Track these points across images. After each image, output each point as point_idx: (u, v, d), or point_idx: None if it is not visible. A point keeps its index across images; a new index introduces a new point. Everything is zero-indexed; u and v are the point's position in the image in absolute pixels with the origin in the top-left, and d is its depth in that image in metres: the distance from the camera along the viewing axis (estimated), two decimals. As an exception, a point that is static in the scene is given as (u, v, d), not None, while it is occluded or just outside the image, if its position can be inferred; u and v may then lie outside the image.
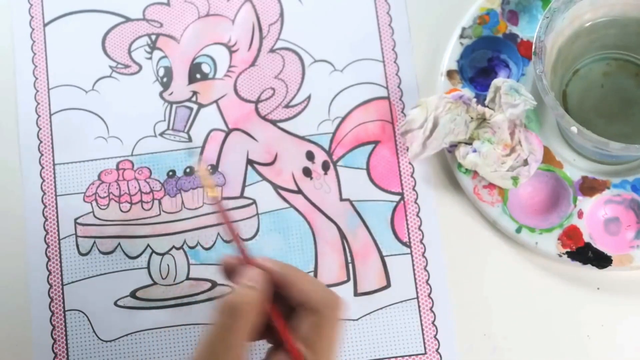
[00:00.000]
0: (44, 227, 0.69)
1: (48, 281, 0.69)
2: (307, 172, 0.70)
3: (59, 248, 0.69)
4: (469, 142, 0.67)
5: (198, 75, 0.71)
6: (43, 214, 0.70)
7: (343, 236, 0.69)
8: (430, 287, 0.68)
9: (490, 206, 0.68)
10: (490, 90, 0.67)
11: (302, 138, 0.71)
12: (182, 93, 0.71)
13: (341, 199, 0.70)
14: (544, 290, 0.68)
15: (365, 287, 0.68)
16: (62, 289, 0.68)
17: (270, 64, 0.72)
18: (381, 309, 0.68)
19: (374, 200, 0.69)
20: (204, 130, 0.71)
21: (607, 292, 0.68)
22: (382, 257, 0.69)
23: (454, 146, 0.67)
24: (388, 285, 0.68)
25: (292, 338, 0.53)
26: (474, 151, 0.66)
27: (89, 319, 0.68)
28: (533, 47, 0.63)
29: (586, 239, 0.67)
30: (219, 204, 0.58)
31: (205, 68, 0.72)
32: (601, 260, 0.66)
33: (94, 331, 0.68)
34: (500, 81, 0.66)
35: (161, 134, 0.71)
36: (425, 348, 0.67)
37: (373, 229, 0.69)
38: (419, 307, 0.68)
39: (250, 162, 0.70)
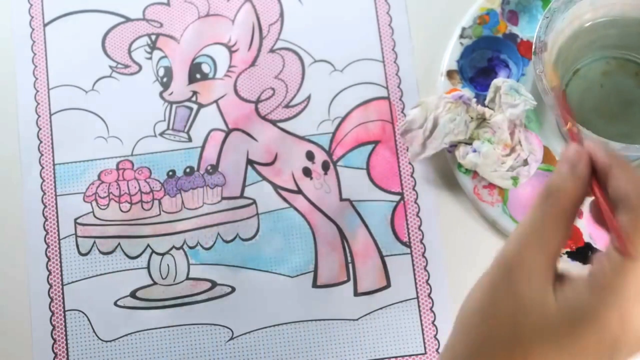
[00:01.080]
0: (44, 227, 0.69)
1: (48, 281, 0.69)
2: (307, 172, 0.70)
3: (59, 248, 0.69)
4: (469, 142, 0.67)
5: (198, 75, 0.71)
6: (43, 214, 0.70)
7: (343, 236, 0.69)
8: (430, 287, 0.68)
9: (490, 206, 0.68)
10: (490, 90, 0.67)
11: (302, 138, 0.70)
12: (182, 93, 0.71)
13: (341, 199, 0.70)
14: None
15: (365, 287, 0.68)
16: (62, 289, 0.68)
17: (270, 64, 0.72)
18: (381, 308, 0.68)
19: (374, 200, 0.69)
20: (204, 130, 0.71)
21: None
22: (382, 257, 0.69)
23: (454, 146, 0.67)
24: (388, 285, 0.68)
25: (617, 222, 0.49)
26: (474, 151, 0.66)
27: (89, 319, 0.68)
28: (533, 47, 0.63)
29: (586, 239, 0.67)
30: (557, 90, 0.55)
31: (205, 68, 0.72)
32: None
33: (94, 331, 0.68)
34: (500, 81, 0.66)
35: (161, 134, 0.71)
36: (425, 348, 0.67)
37: (373, 229, 0.69)
38: (419, 307, 0.68)
39: (250, 162, 0.70)
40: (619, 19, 0.67)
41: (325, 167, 0.70)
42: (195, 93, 0.71)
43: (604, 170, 0.50)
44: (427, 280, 0.68)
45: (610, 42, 0.68)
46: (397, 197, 0.69)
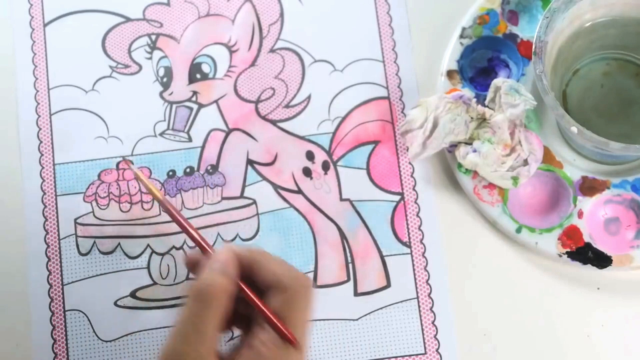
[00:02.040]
0: (44, 227, 0.69)
1: (48, 281, 0.69)
2: (307, 172, 0.70)
3: (59, 248, 0.69)
4: (469, 142, 0.67)
5: (198, 75, 0.71)
6: (43, 214, 0.70)
7: (343, 236, 0.69)
8: (430, 287, 0.68)
9: (490, 206, 0.68)
10: (490, 90, 0.67)
11: (302, 138, 0.71)
12: (182, 93, 0.71)
13: (341, 199, 0.70)
14: (544, 290, 0.68)
15: (366, 287, 0.68)
16: (62, 289, 0.68)
17: (270, 64, 0.72)
18: (381, 309, 0.68)
19: (374, 200, 0.69)
20: (204, 130, 0.71)
21: (607, 292, 0.68)
22: (382, 257, 0.69)
23: (454, 146, 0.67)
24: (388, 285, 0.68)
25: (270, 310, 0.53)
26: (474, 151, 0.66)
27: (89, 319, 0.68)
28: (533, 47, 0.63)
29: (586, 239, 0.67)
30: (167, 203, 0.59)
31: (205, 68, 0.72)
32: (601, 260, 0.66)
33: (94, 331, 0.68)
34: (500, 81, 0.66)
35: (161, 134, 0.71)
36: (425, 348, 0.67)
37: (373, 229, 0.69)
38: (419, 307, 0.68)
39: (250, 162, 0.70)
40: (619, 19, 0.67)
41: (325, 167, 0.70)
42: (195, 93, 0.71)
43: (249, 265, 0.55)
44: (427, 280, 0.68)
45: (610, 42, 0.68)
46: (397, 197, 0.69)
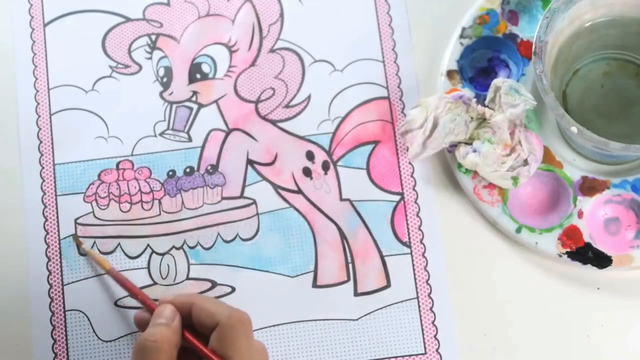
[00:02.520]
0: (44, 227, 0.69)
1: (48, 281, 0.69)
2: (307, 172, 0.70)
3: (59, 248, 0.69)
4: (469, 142, 0.67)
5: (198, 75, 0.72)
6: (43, 214, 0.70)
7: (343, 236, 0.69)
8: (430, 287, 0.68)
9: (490, 206, 0.68)
10: (490, 90, 0.67)
11: (302, 138, 0.71)
12: (182, 93, 0.71)
13: (341, 199, 0.70)
14: (544, 290, 0.68)
15: (365, 287, 0.68)
16: (62, 289, 0.68)
17: (270, 64, 0.72)
18: (381, 308, 0.68)
19: (374, 200, 0.70)
20: (204, 130, 0.71)
21: (607, 292, 0.68)
22: (382, 257, 0.69)
23: (454, 146, 0.67)
24: (388, 285, 0.68)
25: (207, 349, 0.58)
26: (474, 151, 0.66)
27: (89, 319, 0.68)
28: (533, 47, 0.63)
29: (586, 239, 0.67)
30: (114, 271, 0.66)
31: (205, 68, 0.72)
32: (601, 260, 0.66)
33: (94, 331, 0.68)
34: (500, 81, 0.66)
35: (161, 134, 0.71)
36: (425, 348, 0.67)
37: (373, 229, 0.69)
38: (419, 307, 0.68)
39: (250, 162, 0.70)
40: (619, 19, 0.67)
41: (325, 167, 0.70)
42: (195, 93, 0.71)
43: (188, 309, 0.60)
44: (427, 280, 0.68)
45: (610, 42, 0.68)
46: (397, 197, 0.69)
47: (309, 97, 0.71)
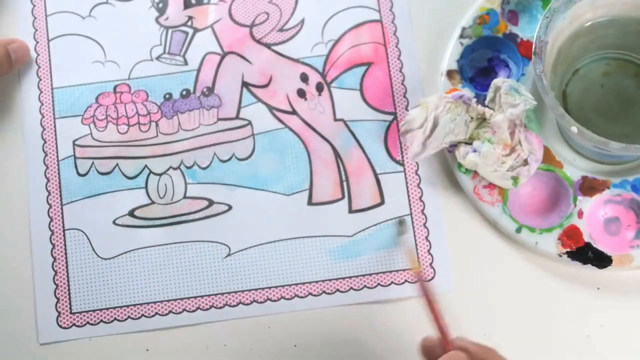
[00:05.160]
0: (43, 149, 0.70)
1: (47, 201, 0.69)
2: (301, 93, 0.71)
3: (58, 169, 0.70)
4: (469, 142, 0.66)
5: (193, 1, 0.72)
6: (42, 137, 0.70)
7: (337, 155, 0.70)
8: (423, 203, 0.69)
9: (490, 206, 0.67)
10: (490, 90, 0.66)
11: (296, 60, 0.71)
12: (178, 18, 0.72)
13: (335, 119, 0.70)
14: (544, 290, 0.67)
15: (360, 205, 0.69)
16: (62, 208, 0.69)
17: (264, -11, 0.73)
18: (375, 225, 0.69)
19: (368, 120, 0.70)
20: (199, 54, 0.71)
21: (607, 292, 0.67)
22: (375, 175, 0.70)
23: (454, 146, 0.67)
24: (382, 203, 0.69)
25: None
26: (474, 151, 0.66)
27: (88, 238, 0.69)
28: (533, 47, 0.62)
29: (586, 238, 0.66)
30: (423, 283, 0.62)
31: (200, -6, 0.73)
32: (601, 260, 0.66)
33: (93, 249, 0.69)
34: (500, 81, 0.65)
35: (157, 58, 0.72)
36: (419, 262, 0.68)
37: (367, 148, 0.70)
38: (413, 223, 0.69)
39: (245, 84, 0.71)
40: (619, 18, 0.66)
41: (319, 88, 0.71)
42: (190, 18, 0.72)
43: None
44: (420, 197, 0.69)
45: (610, 41, 0.68)
46: (390, 117, 0.70)
47: (302, 21, 0.72)
